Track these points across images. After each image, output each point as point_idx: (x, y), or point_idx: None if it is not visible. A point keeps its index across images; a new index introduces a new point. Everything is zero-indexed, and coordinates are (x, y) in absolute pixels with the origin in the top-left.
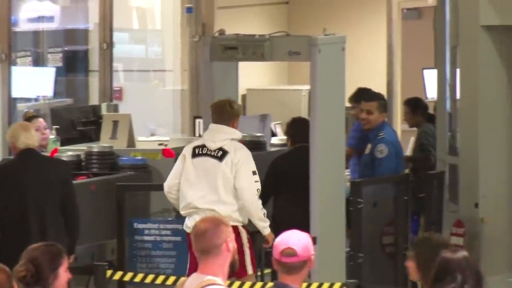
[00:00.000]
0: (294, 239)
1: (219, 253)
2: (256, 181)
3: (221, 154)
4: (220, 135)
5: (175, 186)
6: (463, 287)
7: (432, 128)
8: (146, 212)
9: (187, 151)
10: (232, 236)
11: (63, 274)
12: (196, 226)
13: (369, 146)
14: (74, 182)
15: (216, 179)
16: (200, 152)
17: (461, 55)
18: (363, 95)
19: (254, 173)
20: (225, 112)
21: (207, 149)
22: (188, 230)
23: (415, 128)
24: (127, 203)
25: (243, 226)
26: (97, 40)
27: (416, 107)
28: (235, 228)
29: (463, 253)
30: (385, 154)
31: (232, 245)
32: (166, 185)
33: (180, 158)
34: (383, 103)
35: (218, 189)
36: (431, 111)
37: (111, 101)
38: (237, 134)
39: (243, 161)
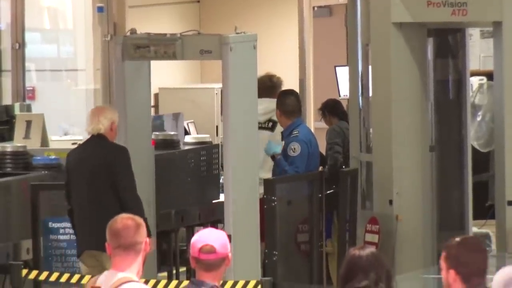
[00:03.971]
0: (212, 237)
1: (140, 251)
2: None
3: (271, 125)
4: (268, 107)
5: None
6: (378, 285)
7: (342, 125)
8: (61, 211)
9: None
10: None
11: None
12: (117, 222)
13: (282, 143)
14: None
15: None
16: None
17: (373, 52)
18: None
19: None
20: (266, 86)
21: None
22: None
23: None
24: (42, 203)
25: None
26: (9, 40)
27: (324, 109)
28: None
29: (371, 250)
30: (298, 152)
31: (147, 247)
32: None
33: None
34: (282, 99)
35: None
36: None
37: (24, 101)
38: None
39: None
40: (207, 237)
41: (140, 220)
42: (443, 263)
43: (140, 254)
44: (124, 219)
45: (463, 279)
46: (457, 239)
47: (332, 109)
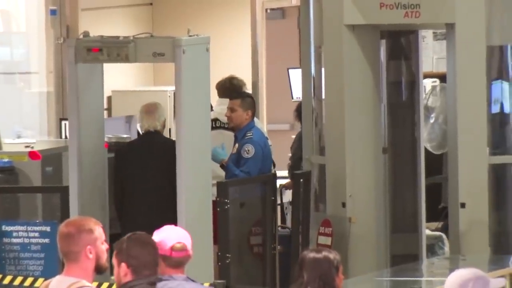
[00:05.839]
0: (182, 234)
1: (78, 259)
2: None
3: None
4: None
5: None
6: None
7: None
8: (14, 214)
9: None
10: (98, 241)
11: None
12: (60, 228)
13: (236, 145)
14: None
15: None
16: (214, 126)
17: (326, 55)
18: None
19: None
20: (225, 88)
21: (220, 122)
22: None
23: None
24: None
25: None
26: None
27: (296, 112)
28: None
29: (315, 254)
30: (252, 154)
31: (95, 251)
32: None
33: None
34: (248, 100)
35: None
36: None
37: None
38: None
39: None
40: (177, 235)
41: (82, 226)
42: (114, 259)
43: (80, 261)
44: (65, 226)
45: (134, 271)
46: (128, 235)
47: (299, 114)
